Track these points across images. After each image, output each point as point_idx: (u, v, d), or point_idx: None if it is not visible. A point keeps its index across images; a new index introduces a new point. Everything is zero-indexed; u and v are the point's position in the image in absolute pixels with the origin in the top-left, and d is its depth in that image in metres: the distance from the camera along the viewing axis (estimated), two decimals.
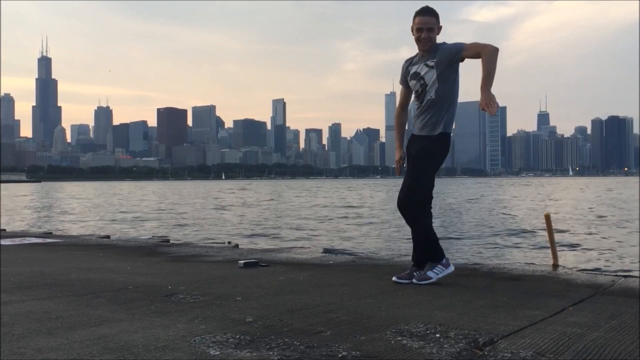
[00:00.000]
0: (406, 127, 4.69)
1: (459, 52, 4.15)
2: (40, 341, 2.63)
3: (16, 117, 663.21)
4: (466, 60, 4.20)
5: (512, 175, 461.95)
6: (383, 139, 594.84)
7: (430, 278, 4.21)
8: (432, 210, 4.34)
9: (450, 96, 4.30)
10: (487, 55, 4.01)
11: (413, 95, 4.43)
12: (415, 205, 4.22)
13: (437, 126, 4.26)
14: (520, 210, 21.48)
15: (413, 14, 4.29)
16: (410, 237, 4.40)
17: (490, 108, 3.92)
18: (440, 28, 4.30)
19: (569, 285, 4.20)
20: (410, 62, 4.42)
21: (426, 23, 4.20)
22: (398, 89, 4.58)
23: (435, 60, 4.22)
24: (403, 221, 4.50)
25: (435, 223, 4.60)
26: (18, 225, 16.51)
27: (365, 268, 5.15)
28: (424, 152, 4.26)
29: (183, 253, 6.49)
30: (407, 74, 4.42)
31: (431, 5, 4.34)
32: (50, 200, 38.36)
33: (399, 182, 4.51)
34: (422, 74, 4.28)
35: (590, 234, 13.22)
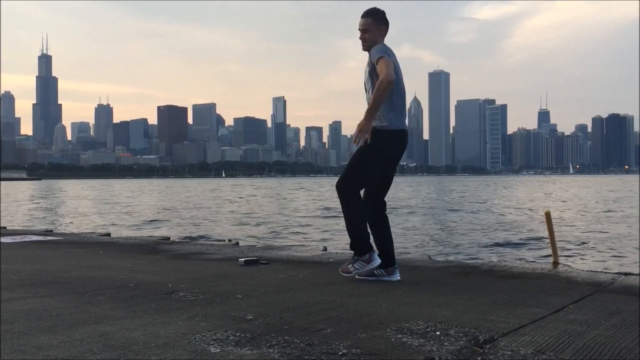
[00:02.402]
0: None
1: (373, 62, 4.17)
2: (41, 339, 2.63)
3: (16, 115, 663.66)
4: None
5: (512, 174, 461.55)
6: None
7: (350, 272, 4.25)
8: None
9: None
10: (378, 87, 4.01)
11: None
12: (346, 190, 4.20)
13: (378, 123, 4.19)
14: None
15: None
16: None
17: (357, 137, 4.05)
18: (382, 30, 4.34)
19: (569, 283, 4.19)
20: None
21: (361, 25, 4.33)
22: None
23: (369, 60, 4.31)
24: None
25: None
26: (19, 223, 16.53)
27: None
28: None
29: (183, 251, 6.49)
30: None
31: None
32: (51, 198, 38.39)
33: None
34: (366, 70, 4.36)
35: (591, 231, 13.23)
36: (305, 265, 5.17)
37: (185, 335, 2.68)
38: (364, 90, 4.44)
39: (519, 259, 8.09)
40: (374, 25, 4.33)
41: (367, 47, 4.33)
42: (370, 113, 4.06)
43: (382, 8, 4.41)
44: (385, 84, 3.98)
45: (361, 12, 4.38)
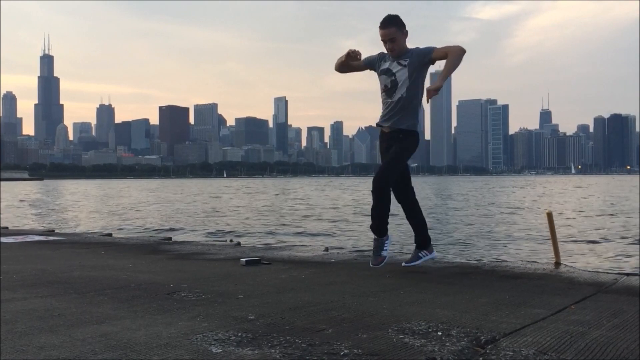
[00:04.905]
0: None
1: (429, 54, 4.44)
2: (42, 339, 2.63)
3: (18, 115, 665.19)
4: (463, 61, 4.43)
5: (514, 174, 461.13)
6: None
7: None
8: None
9: (420, 95, 4.57)
10: (455, 52, 4.34)
11: (380, 89, 4.67)
12: (386, 182, 4.52)
13: (415, 124, 4.59)
14: None
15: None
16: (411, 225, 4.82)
17: (430, 93, 4.32)
18: (405, 33, 4.52)
19: (571, 283, 4.19)
20: (383, 58, 4.63)
21: (386, 35, 4.47)
22: None
23: (408, 61, 4.47)
24: (404, 219, 4.70)
25: None
26: (20, 223, 16.54)
27: (367, 266, 5.14)
28: (404, 146, 4.55)
29: (185, 251, 6.49)
30: (377, 65, 4.63)
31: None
32: (52, 199, 38.43)
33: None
34: (394, 70, 4.51)
35: (593, 231, 13.20)
36: (307, 266, 5.17)
37: (187, 336, 2.68)
38: (386, 89, 4.57)
39: (520, 259, 8.08)
40: (399, 32, 4.47)
41: (397, 53, 4.50)
42: (447, 76, 4.39)
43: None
44: (463, 51, 4.34)
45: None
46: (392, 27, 4.44)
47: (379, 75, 4.62)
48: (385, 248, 4.62)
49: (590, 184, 71.47)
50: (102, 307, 3.33)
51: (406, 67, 4.46)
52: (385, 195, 4.53)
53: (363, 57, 4.68)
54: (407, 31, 4.52)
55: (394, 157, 4.53)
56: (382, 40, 4.49)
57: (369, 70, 4.72)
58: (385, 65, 4.57)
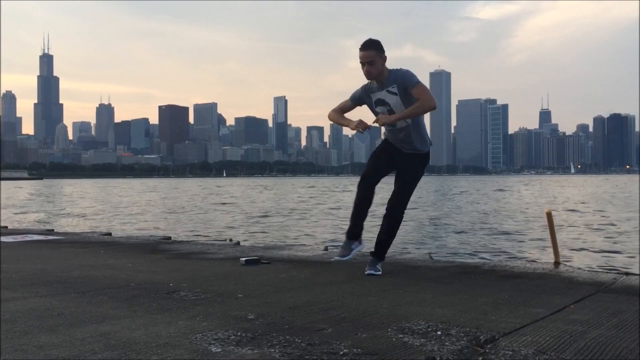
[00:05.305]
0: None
1: (409, 88, 4.42)
2: (42, 338, 2.63)
3: (18, 115, 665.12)
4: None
5: (514, 173, 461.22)
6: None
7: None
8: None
9: (418, 118, 4.59)
10: (423, 105, 4.35)
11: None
12: (402, 210, 4.68)
13: (425, 145, 4.69)
14: None
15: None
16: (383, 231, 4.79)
17: (377, 120, 4.42)
18: (384, 58, 4.49)
19: (571, 283, 4.19)
20: (368, 88, 4.64)
21: (365, 57, 4.45)
22: None
23: (396, 87, 4.46)
24: (405, 218, 4.70)
25: None
26: (20, 223, 16.54)
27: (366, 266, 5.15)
28: (415, 168, 4.69)
29: (185, 250, 6.49)
30: (365, 95, 4.65)
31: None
32: (51, 198, 38.43)
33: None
34: (386, 100, 4.53)
35: (593, 231, 13.22)
36: (306, 265, 5.17)
37: (187, 335, 2.68)
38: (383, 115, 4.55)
39: (520, 259, 8.09)
40: (378, 56, 4.45)
41: (372, 76, 4.49)
42: (404, 118, 4.42)
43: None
44: (432, 108, 4.37)
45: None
46: (372, 50, 4.43)
47: (375, 107, 4.62)
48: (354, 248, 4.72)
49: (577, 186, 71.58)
50: (101, 307, 3.33)
51: (397, 94, 4.47)
52: (399, 223, 4.72)
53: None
54: (385, 57, 4.52)
55: (402, 193, 4.64)
56: (360, 62, 4.49)
57: (358, 107, 4.78)
58: (376, 95, 4.58)
